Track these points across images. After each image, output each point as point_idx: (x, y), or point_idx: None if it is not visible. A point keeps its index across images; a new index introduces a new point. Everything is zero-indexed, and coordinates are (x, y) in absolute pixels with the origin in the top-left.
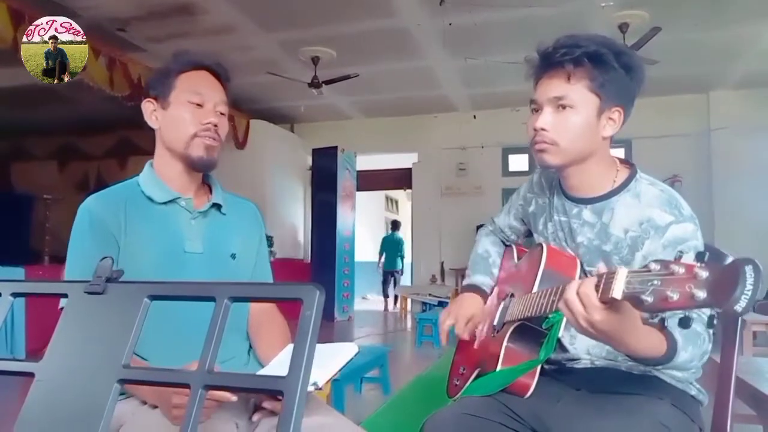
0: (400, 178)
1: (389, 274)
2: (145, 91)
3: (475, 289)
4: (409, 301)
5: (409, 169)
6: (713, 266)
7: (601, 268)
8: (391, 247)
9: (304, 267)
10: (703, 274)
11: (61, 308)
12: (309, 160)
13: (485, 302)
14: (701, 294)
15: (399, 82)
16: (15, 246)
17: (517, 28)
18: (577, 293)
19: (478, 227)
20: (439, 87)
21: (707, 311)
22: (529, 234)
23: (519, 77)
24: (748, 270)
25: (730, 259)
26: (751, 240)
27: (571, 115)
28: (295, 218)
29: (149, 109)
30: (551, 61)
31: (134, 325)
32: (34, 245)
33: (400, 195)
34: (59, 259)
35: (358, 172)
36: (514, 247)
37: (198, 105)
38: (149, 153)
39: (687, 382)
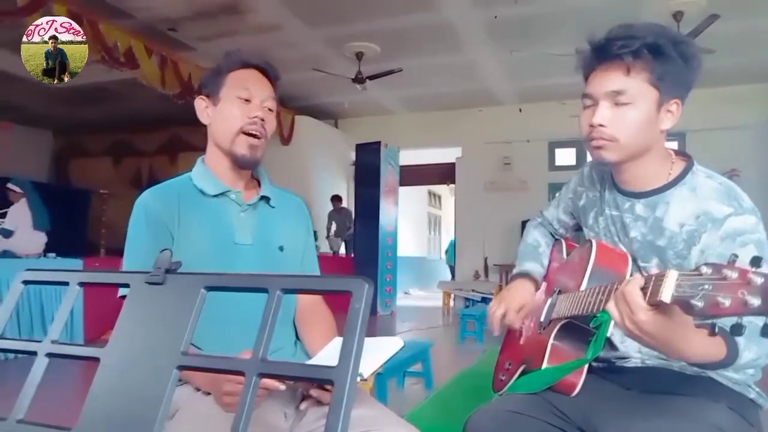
0: (444, 173)
1: (452, 269)
2: (198, 89)
3: (526, 275)
4: (452, 297)
5: (453, 164)
6: None
7: (656, 268)
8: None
9: (346, 261)
10: (758, 280)
11: (121, 297)
12: (352, 155)
13: (537, 289)
14: (755, 301)
15: (442, 76)
16: (73, 238)
17: (565, 19)
18: (622, 292)
19: (524, 222)
20: (483, 80)
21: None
22: (578, 228)
23: (567, 69)
24: None
25: None
26: None
27: (630, 110)
28: None
29: (201, 105)
30: (608, 53)
31: (192, 314)
32: (91, 238)
33: (443, 190)
34: (115, 251)
35: (401, 167)
36: (563, 241)
37: (246, 100)
38: (198, 149)
39: (745, 385)
